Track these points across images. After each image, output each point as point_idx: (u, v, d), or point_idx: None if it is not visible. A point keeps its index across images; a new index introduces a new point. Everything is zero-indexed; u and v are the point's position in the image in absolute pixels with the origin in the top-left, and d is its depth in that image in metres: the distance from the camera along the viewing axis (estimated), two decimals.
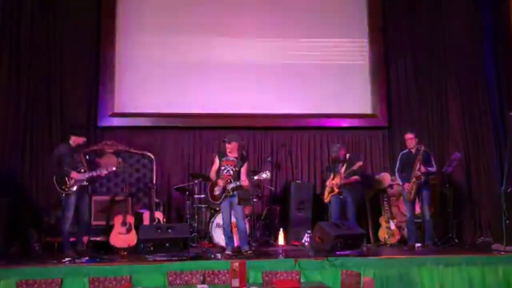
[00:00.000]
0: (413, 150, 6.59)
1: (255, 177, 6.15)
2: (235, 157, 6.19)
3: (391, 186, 7.55)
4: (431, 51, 8.39)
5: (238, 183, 6.01)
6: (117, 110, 7.89)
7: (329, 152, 8.08)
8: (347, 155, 6.81)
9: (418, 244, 6.41)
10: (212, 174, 6.26)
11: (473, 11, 8.35)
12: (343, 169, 6.59)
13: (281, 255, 5.92)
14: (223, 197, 6.05)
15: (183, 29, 8.24)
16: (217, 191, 6.10)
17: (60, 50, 7.79)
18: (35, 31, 7.68)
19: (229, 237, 6.11)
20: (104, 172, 6.24)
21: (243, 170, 6.14)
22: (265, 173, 6.07)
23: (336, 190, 6.61)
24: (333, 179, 6.69)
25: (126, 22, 8.10)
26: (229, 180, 6.04)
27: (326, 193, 6.80)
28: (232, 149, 6.17)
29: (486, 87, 8.15)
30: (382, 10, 8.51)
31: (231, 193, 6.03)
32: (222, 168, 6.17)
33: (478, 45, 8.29)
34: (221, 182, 6.05)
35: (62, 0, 7.86)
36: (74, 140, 6.13)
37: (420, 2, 8.52)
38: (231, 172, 6.11)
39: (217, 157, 6.32)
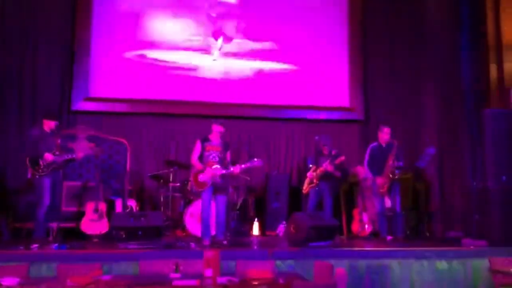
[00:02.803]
0: (384, 144, 6.62)
1: (248, 164, 5.93)
2: (219, 143, 6.02)
3: (365, 179, 7.61)
4: (409, 47, 8.49)
5: (228, 170, 5.82)
6: (91, 94, 7.71)
7: (305, 143, 8.12)
8: (332, 151, 6.82)
9: (389, 237, 6.49)
10: (194, 160, 5.99)
11: (452, 7, 8.46)
12: (326, 163, 6.60)
13: (255, 245, 5.90)
14: (209, 185, 5.86)
15: (159, 13, 8.11)
16: (203, 178, 5.91)
17: (33, 30, 7.55)
18: (7, 10, 7.42)
19: (207, 227, 5.92)
20: (80, 155, 6.12)
21: (227, 157, 5.99)
22: (257, 160, 5.87)
23: (316, 182, 6.62)
24: (314, 170, 6.70)
25: (102, 4, 7.90)
26: (216, 167, 5.87)
27: (305, 184, 6.81)
28: (220, 134, 5.99)
29: (462, 83, 8.29)
30: (361, 4, 8.53)
31: (219, 181, 5.85)
32: (207, 153, 5.94)
33: (455, 42, 8.40)
34: (209, 170, 5.85)
35: None
36: (46, 124, 6.04)
37: None
38: (217, 158, 5.92)
39: (199, 141, 6.05)
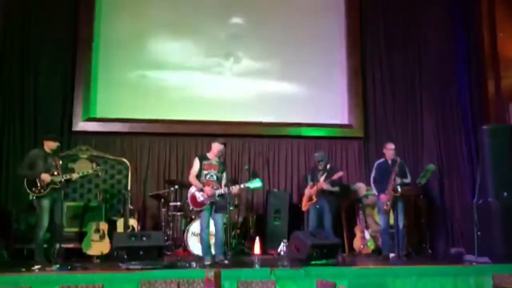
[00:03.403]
0: (389, 161, 6.65)
1: (246, 185, 5.87)
2: (217, 162, 5.99)
3: (366, 196, 7.61)
4: (406, 65, 8.58)
5: (227, 189, 5.75)
6: (92, 114, 7.75)
7: (305, 161, 8.14)
8: (328, 166, 6.83)
9: (392, 254, 6.46)
10: (192, 178, 5.94)
11: (448, 26, 8.60)
12: (322, 179, 6.61)
13: (256, 264, 5.88)
14: (207, 204, 5.84)
15: (160, 33, 8.21)
16: (201, 197, 5.88)
17: (35, 52, 7.61)
18: (9, 31, 7.52)
19: (208, 246, 5.89)
20: (75, 176, 6.11)
21: (224, 176, 5.97)
22: (255, 182, 5.81)
23: (315, 199, 6.62)
24: (312, 187, 6.70)
25: (103, 26, 7.99)
26: (214, 186, 5.84)
27: (304, 201, 6.80)
28: (220, 152, 5.97)
29: (460, 100, 8.36)
30: (359, 24, 8.63)
31: (217, 200, 5.81)
32: (205, 172, 5.91)
33: (452, 60, 8.52)
34: (208, 189, 5.80)
35: (39, 3, 7.72)
36: (47, 145, 6.04)
37: (397, 17, 8.70)
38: (215, 177, 5.90)
39: (197, 159, 6.01)
